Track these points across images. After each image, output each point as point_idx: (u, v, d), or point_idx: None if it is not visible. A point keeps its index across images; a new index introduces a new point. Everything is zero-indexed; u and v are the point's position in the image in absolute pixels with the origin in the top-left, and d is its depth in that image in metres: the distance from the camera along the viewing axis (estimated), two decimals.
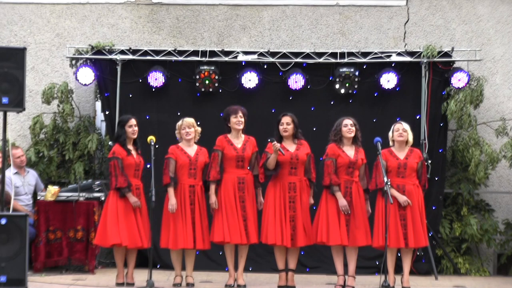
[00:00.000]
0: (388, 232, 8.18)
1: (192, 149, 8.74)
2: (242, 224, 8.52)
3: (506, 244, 10.57)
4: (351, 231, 8.43)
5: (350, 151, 8.55)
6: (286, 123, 8.59)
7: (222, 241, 8.54)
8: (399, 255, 8.63)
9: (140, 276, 8.69)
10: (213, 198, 8.57)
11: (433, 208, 10.14)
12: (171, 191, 8.57)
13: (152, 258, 8.37)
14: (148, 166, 8.71)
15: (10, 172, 9.54)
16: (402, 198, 8.41)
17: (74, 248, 9.55)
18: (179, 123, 8.80)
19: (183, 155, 8.67)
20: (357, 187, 8.54)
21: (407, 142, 8.61)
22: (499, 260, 10.66)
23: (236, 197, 8.55)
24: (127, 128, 8.69)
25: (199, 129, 8.86)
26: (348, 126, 8.56)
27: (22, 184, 9.81)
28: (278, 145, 8.39)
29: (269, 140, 8.48)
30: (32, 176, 10.03)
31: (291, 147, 8.58)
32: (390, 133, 8.67)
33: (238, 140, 8.70)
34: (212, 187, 8.59)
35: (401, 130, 8.57)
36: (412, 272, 8.92)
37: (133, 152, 8.69)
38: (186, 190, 8.61)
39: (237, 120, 8.65)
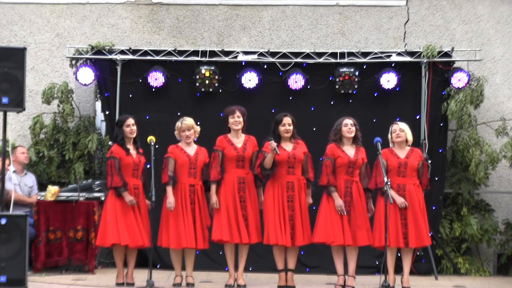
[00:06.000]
0: (388, 231, 8.19)
1: (191, 149, 8.74)
2: (243, 224, 8.53)
3: (506, 244, 10.57)
4: (352, 231, 8.43)
5: (350, 151, 8.54)
6: (288, 124, 8.59)
7: (221, 240, 8.55)
8: (399, 255, 8.63)
9: (140, 276, 8.69)
10: (214, 198, 8.57)
11: (433, 208, 10.13)
12: (169, 189, 8.58)
13: (152, 258, 8.36)
14: (148, 166, 8.71)
15: (9, 171, 9.53)
16: (399, 200, 8.39)
17: (74, 248, 9.55)
18: (178, 124, 8.78)
19: (182, 154, 8.68)
20: (357, 187, 8.53)
21: (407, 141, 8.61)
22: (499, 260, 10.66)
23: (236, 197, 8.55)
24: (125, 128, 8.69)
25: (198, 128, 8.85)
26: (348, 126, 8.55)
27: (19, 183, 9.79)
28: (274, 144, 8.39)
29: (267, 139, 8.48)
30: (29, 178, 9.99)
31: (288, 146, 8.59)
32: (389, 135, 8.68)
33: (238, 140, 8.70)
34: (213, 187, 8.59)
35: (398, 130, 8.57)
36: (412, 272, 8.91)
37: (132, 152, 8.69)
38: (187, 189, 8.61)
39: (235, 121, 8.65)
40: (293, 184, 8.52)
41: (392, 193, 8.24)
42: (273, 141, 8.39)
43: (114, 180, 8.49)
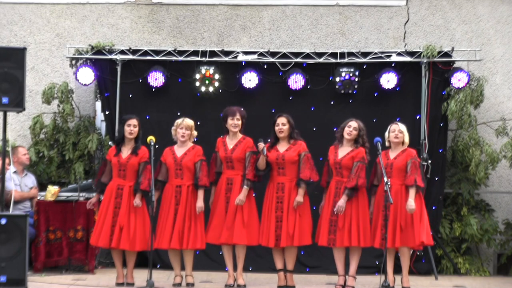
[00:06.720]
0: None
1: (182, 149, 8.72)
2: (224, 224, 8.58)
3: (506, 244, 10.57)
4: (338, 231, 8.40)
5: (342, 152, 8.53)
6: (282, 124, 8.61)
7: (211, 241, 8.68)
8: (399, 255, 8.63)
9: (140, 276, 8.69)
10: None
11: (433, 208, 10.13)
12: (155, 195, 8.60)
13: (152, 258, 8.37)
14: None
15: (10, 171, 9.54)
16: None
17: (74, 248, 9.55)
18: (179, 120, 8.76)
19: (170, 156, 8.71)
20: None
21: (403, 143, 8.60)
22: (499, 260, 10.66)
23: (222, 198, 8.61)
24: (125, 127, 8.71)
25: (195, 133, 8.86)
26: (350, 128, 8.55)
27: (19, 184, 9.79)
28: (261, 146, 8.46)
29: (258, 141, 8.53)
30: (29, 178, 9.98)
31: (282, 147, 8.61)
32: (386, 134, 8.65)
33: (231, 141, 8.72)
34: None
35: (397, 131, 8.55)
36: (412, 272, 8.93)
37: (124, 152, 8.68)
38: (173, 190, 8.64)
39: (233, 123, 8.65)
40: (283, 186, 8.53)
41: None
42: (261, 143, 8.45)
43: (94, 180, 8.95)
